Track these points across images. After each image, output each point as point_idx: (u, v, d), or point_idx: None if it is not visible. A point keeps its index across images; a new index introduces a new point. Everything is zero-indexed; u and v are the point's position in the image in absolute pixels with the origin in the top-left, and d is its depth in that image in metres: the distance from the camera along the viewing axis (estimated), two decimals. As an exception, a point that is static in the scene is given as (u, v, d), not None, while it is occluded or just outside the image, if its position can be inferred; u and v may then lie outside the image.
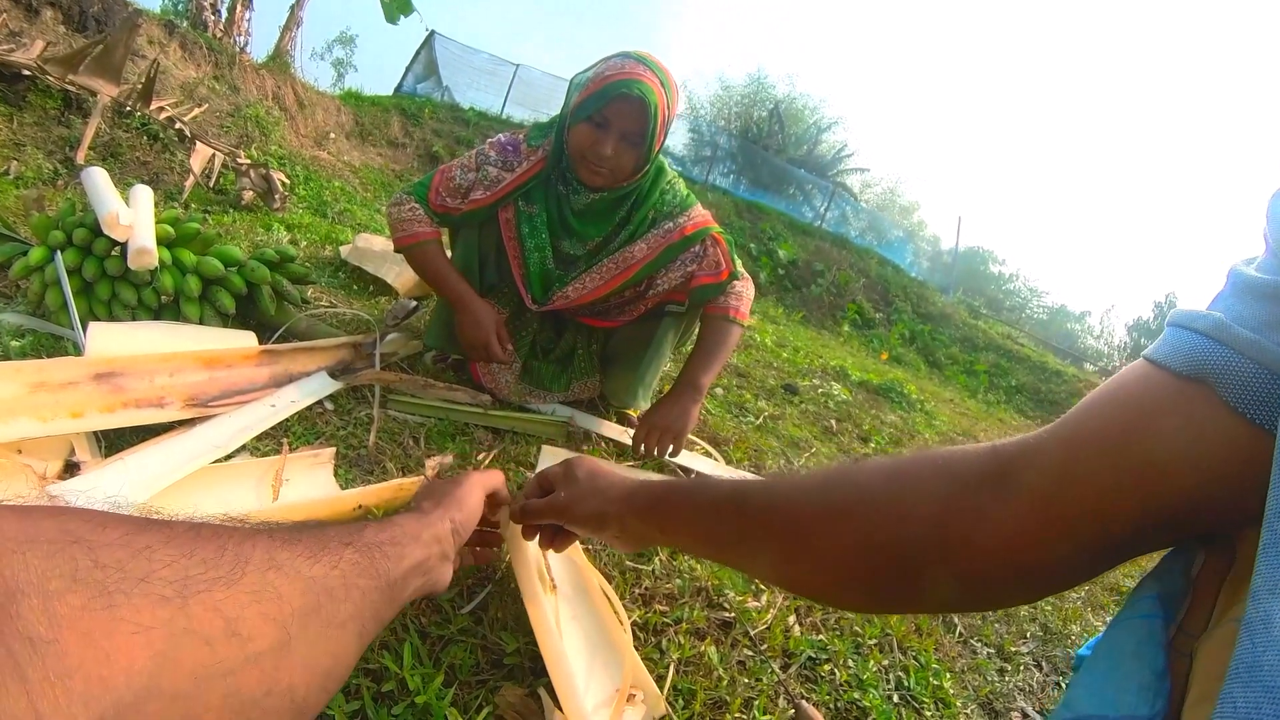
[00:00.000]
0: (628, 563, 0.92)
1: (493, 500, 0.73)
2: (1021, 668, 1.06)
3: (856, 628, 0.97)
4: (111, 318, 1.17)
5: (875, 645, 0.95)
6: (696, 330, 1.41)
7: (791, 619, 0.93)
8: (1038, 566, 0.38)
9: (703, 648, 0.80)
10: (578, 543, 0.79)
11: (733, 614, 0.89)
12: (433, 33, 9.74)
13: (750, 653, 0.83)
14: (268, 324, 1.34)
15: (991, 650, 1.08)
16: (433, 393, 1.23)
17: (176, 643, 0.32)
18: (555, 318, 1.45)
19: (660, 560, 0.95)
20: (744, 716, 0.73)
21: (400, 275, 1.88)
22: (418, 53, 9.86)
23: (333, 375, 1.20)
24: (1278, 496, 0.27)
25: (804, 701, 0.77)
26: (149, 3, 4.38)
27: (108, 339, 1.01)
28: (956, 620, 1.11)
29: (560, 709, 0.60)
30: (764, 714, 0.74)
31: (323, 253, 2.23)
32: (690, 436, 1.44)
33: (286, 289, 1.37)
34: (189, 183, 2.58)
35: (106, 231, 1.14)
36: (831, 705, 0.81)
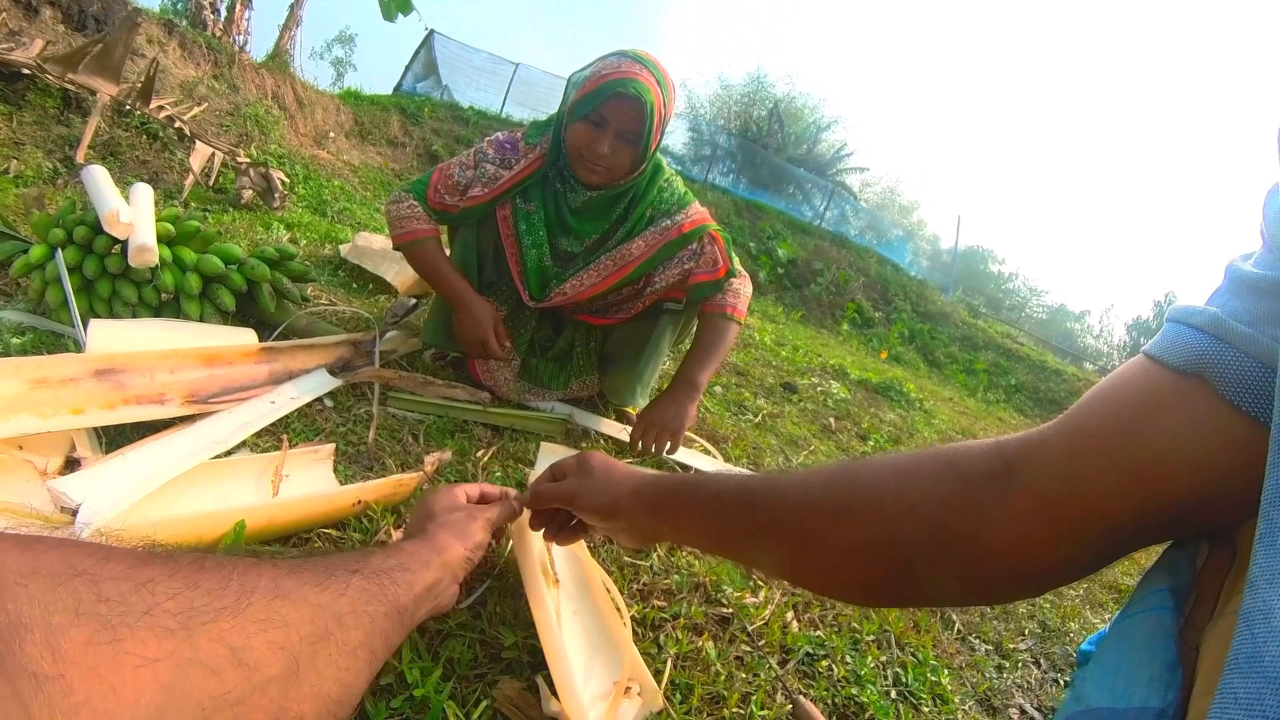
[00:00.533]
0: (626, 558, 0.92)
1: (488, 498, 0.74)
2: (1019, 665, 1.07)
3: (854, 624, 0.97)
4: (112, 315, 1.17)
5: (873, 641, 0.95)
6: (694, 328, 1.42)
7: (789, 615, 0.93)
8: (1041, 562, 0.38)
9: (701, 643, 0.80)
10: (581, 540, 0.79)
11: (731, 609, 0.89)
12: (432, 32, 9.73)
13: (748, 648, 0.84)
14: (268, 322, 1.35)
15: (990, 647, 1.08)
16: (432, 390, 1.23)
17: (183, 674, 0.32)
18: (554, 315, 1.46)
19: (659, 556, 0.95)
20: (741, 711, 0.73)
21: (399, 273, 1.88)
22: (417, 52, 9.86)
23: (332, 372, 1.20)
24: (1273, 487, 0.27)
25: (801, 697, 0.77)
26: (148, 1, 4.39)
27: (108, 336, 1.01)
28: (955, 617, 1.11)
29: (558, 700, 0.61)
30: (761, 709, 0.74)
31: (322, 251, 2.24)
32: (689, 434, 1.44)
33: (286, 287, 1.37)
34: (189, 182, 2.58)
35: (107, 229, 1.14)
36: (829, 701, 0.81)
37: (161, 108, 2.93)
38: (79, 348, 1.02)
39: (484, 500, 0.74)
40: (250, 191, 2.67)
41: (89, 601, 0.30)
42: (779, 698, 0.78)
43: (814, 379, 2.85)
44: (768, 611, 0.91)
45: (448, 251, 1.36)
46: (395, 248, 1.31)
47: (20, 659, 0.27)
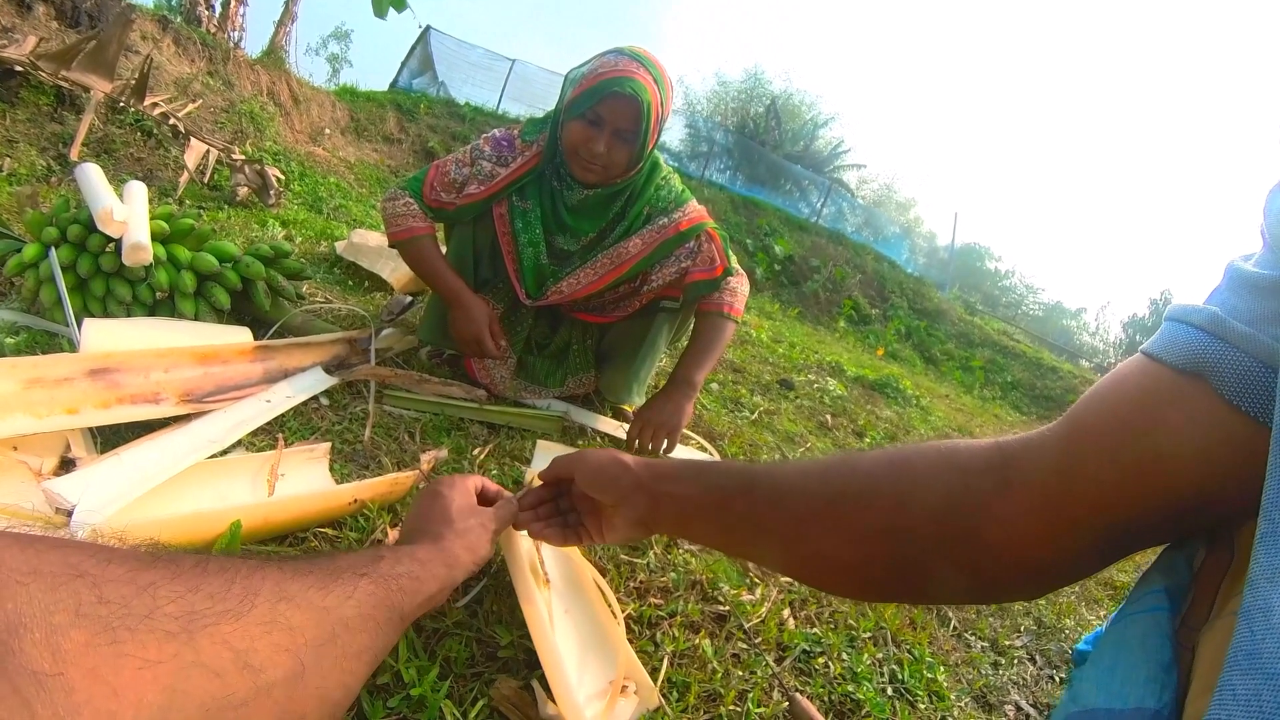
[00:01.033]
0: (622, 556, 0.92)
1: (486, 495, 0.74)
2: (1015, 661, 1.07)
3: (851, 621, 0.97)
4: (106, 314, 1.16)
5: (869, 638, 0.95)
6: (691, 326, 1.42)
7: (786, 612, 0.93)
8: (1041, 559, 0.38)
9: (697, 641, 0.81)
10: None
11: (727, 607, 0.89)
12: (428, 28, 9.68)
13: (745, 646, 0.84)
14: (263, 320, 1.34)
15: (986, 644, 1.08)
16: (428, 388, 1.23)
17: (186, 676, 0.32)
18: (550, 313, 1.45)
19: (655, 554, 0.95)
20: (738, 709, 0.74)
21: (395, 271, 1.88)
22: (413, 48, 9.81)
23: (328, 371, 1.20)
24: (1274, 486, 0.27)
25: (798, 694, 0.77)
26: (142, -2, 4.36)
27: (103, 335, 1.01)
28: (950, 614, 1.11)
29: (554, 703, 0.61)
30: (758, 707, 0.74)
31: (318, 249, 2.23)
32: (685, 431, 1.44)
33: (281, 285, 1.37)
34: (183, 179, 2.57)
35: (101, 227, 1.14)
36: (826, 698, 0.82)
37: (156, 104, 2.91)
38: (73, 347, 1.01)
39: (485, 495, 0.74)
40: (245, 189, 2.66)
41: (90, 603, 0.30)
42: (775, 695, 0.78)
43: (811, 376, 2.86)
44: (764, 609, 0.91)
45: (444, 249, 1.36)
46: (391, 245, 1.30)
47: (20, 658, 0.27)
